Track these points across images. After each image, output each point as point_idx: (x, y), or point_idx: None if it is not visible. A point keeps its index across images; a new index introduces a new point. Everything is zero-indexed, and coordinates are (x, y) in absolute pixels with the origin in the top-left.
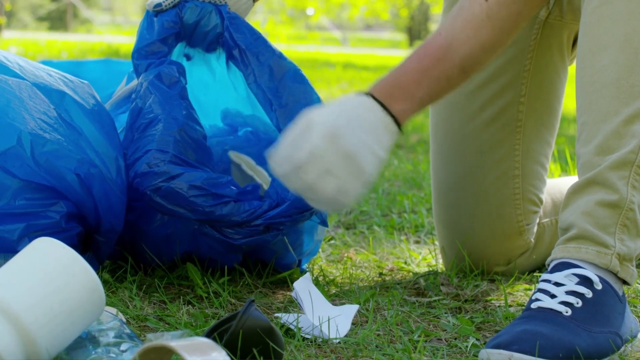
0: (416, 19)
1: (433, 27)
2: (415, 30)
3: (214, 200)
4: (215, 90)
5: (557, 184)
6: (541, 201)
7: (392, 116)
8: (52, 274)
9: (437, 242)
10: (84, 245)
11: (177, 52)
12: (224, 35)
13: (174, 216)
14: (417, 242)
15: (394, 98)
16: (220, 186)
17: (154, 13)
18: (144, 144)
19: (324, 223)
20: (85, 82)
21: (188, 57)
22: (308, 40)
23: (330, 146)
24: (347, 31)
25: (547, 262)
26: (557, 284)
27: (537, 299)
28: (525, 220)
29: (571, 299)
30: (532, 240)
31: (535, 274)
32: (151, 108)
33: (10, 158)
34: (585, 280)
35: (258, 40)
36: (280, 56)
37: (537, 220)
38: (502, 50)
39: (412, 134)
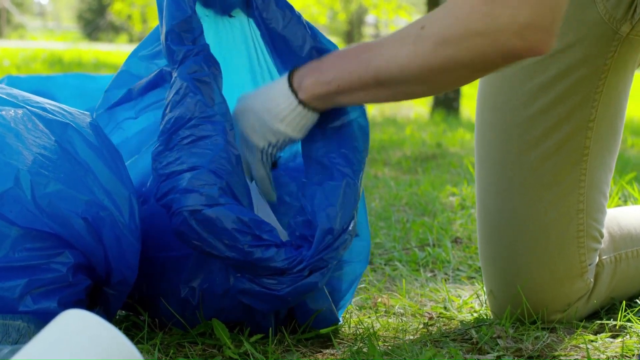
0: (354, 23)
1: (367, 30)
2: (352, 34)
3: (256, 241)
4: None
5: (615, 216)
6: (602, 236)
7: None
8: (87, 356)
9: (475, 282)
10: (92, 299)
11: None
12: (254, 15)
13: (201, 250)
14: (446, 279)
15: (310, 72)
16: (265, 230)
17: None
18: (190, 157)
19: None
20: (87, 112)
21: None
22: None
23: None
24: None
25: None
26: None
27: None
28: (588, 259)
29: None
30: (592, 280)
31: (600, 321)
32: (203, 123)
33: (8, 202)
34: None
35: (291, 22)
36: (321, 41)
37: (598, 259)
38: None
39: (395, 149)
